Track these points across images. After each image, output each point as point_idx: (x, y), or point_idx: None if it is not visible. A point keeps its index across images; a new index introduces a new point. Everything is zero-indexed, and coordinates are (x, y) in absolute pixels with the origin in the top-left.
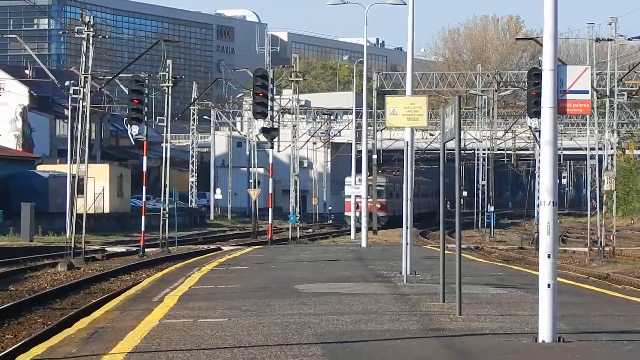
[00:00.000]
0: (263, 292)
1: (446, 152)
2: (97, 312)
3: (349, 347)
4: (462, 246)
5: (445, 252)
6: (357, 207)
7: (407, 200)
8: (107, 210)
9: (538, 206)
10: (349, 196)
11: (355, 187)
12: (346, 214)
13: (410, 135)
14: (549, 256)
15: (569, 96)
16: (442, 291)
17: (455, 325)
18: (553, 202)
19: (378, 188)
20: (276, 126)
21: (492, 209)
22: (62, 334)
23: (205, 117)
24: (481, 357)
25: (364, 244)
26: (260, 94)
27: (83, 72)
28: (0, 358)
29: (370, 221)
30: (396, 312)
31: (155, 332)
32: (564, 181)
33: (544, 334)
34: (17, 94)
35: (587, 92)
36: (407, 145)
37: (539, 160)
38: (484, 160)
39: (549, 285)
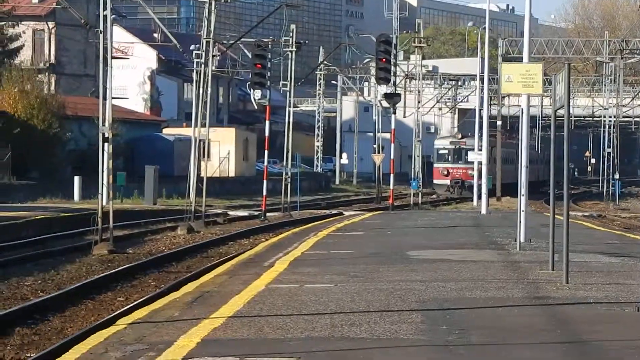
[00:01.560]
0: (374, 257)
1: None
2: (206, 276)
3: (449, 314)
4: (585, 214)
5: (561, 219)
6: (447, 174)
7: (522, 167)
8: (232, 174)
9: None
10: (443, 159)
11: (478, 154)
12: (435, 181)
13: (526, 102)
14: None
15: None
16: (552, 259)
17: (560, 294)
18: None
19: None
20: (400, 92)
21: (617, 176)
22: (168, 297)
23: (332, 82)
24: (580, 326)
25: (483, 211)
26: (383, 60)
27: (205, 37)
28: (103, 322)
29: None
30: (503, 279)
31: (260, 297)
32: None
33: None
34: (146, 58)
35: None
36: (522, 112)
37: None
38: (610, 127)
39: None
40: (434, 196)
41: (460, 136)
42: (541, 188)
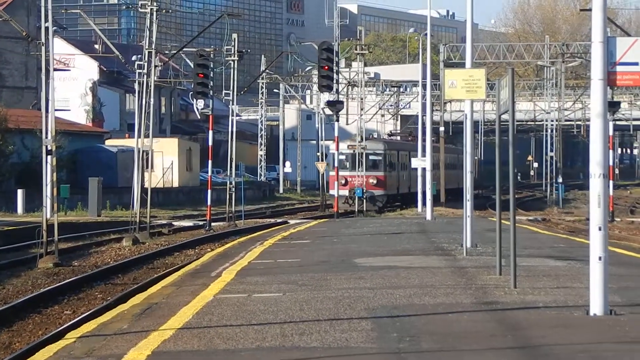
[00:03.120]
0: (322, 266)
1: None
2: (154, 287)
3: (399, 321)
4: (529, 218)
5: (507, 223)
6: (346, 183)
7: (467, 172)
8: (176, 184)
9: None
10: (341, 166)
11: (421, 160)
12: (332, 192)
13: (469, 108)
14: (599, 229)
15: (619, 68)
16: (499, 264)
17: (509, 299)
18: (603, 174)
19: (372, 157)
20: (343, 99)
21: (560, 180)
22: (116, 309)
23: (275, 90)
24: (530, 331)
25: (428, 217)
26: (326, 67)
27: (147, 47)
28: (52, 336)
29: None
30: (452, 285)
31: (208, 308)
32: (635, 151)
33: (596, 306)
34: (87, 69)
35: (637, 64)
36: (466, 118)
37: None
38: (552, 131)
39: (600, 258)
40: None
41: (359, 139)
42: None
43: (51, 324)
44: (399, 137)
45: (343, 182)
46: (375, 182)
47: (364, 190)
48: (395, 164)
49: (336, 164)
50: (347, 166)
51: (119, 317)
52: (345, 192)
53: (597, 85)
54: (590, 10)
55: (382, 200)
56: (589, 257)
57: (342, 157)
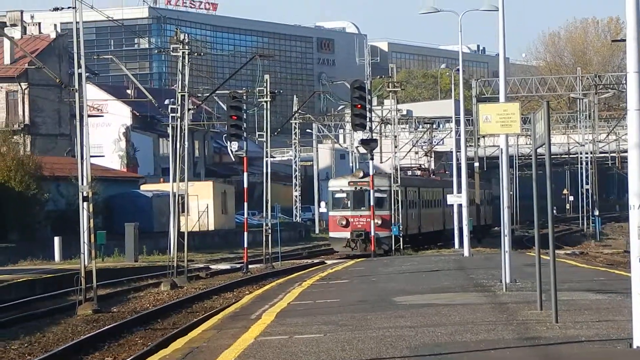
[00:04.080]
0: (361, 305)
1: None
2: (195, 331)
3: (442, 359)
4: (567, 252)
5: (547, 258)
6: (347, 224)
7: (504, 208)
8: (211, 227)
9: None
10: (341, 205)
11: (457, 196)
12: (331, 234)
13: (504, 142)
14: None
15: None
16: (540, 299)
17: (551, 333)
18: None
19: (377, 194)
20: (376, 137)
21: (597, 212)
22: (157, 355)
23: (307, 130)
24: None
25: (466, 253)
26: (358, 106)
27: (180, 90)
28: None
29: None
30: (493, 321)
31: (250, 351)
32: None
33: (638, 339)
34: (120, 114)
35: None
36: (502, 152)
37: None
38: (587, 164)
39: None
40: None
41: (361, 174)
42: (486, 233)
43: None
44: (409, 172)
45: (344, 223)
46: (380, 222)
47: (367, 232)
48: (403, 202)
49: (372, 202)
50: (349, 205)
51: None
52: (346, 234)
53: (634, 116)
54: (623, 40)
55: (388, 242)
56: (629, 289)
57: (343, 194)
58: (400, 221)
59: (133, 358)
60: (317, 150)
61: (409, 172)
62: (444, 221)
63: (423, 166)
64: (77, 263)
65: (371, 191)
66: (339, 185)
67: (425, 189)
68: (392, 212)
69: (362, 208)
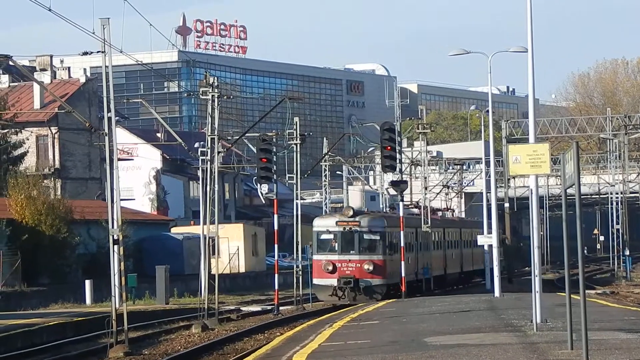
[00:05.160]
0: (392, 346)
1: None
2: None
3: None
4: (598, 291)
5: (577, 298)
6: (334, 269)
7: (535, 247)
8: (242, 269)
9: None
10: (327, 248)
11: (487, 237)
12: (315, 281)
13: (534, 183)
14: None
15: None
16: (570, 338)
17: None
18: None
19: (368, 237)
20: (406, 178)
21: (627, 252)
22: None
23: (337, 172)
24: None
25: (497, 294)
26: (388, 147)
27: (210, 133)
28: None
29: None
30: None
31: None
32: None
33: None
34: (150, 157)
35: None
36: (532, 193)
37: None
38: (617, 204)
39: None
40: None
41: (351, 213)
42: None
43: None
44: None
45: (330, 268)
46: (372, 268)
47: (357, 279)
48: (397, 245)
49: (402, 243)
50: (336, 248)
51: None
52: (333, 281)
53: None
54: None
55: (381, 291)
56: None
57: (330, 236)
58: (394, 268)
59: None
60: (347, 192)
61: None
62: (461, 263)
63: (417, 204)
64: (108, 306)
65: (402, 233)
66: (326, 225)
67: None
68: (386, 256)
69: (351, 252)
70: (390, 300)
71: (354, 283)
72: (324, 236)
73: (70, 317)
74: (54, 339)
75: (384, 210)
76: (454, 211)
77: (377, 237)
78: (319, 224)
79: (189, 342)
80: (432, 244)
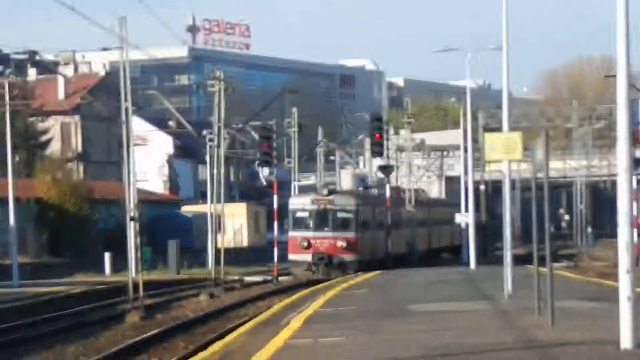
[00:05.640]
0: (378, 312)
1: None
2: (230, 335)
3: None
4: (563, 264)
5: (544, 270)
6: (308, 245)
7: (506, 226)
8: (245, 244)
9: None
10: (303, 225)
11: (464, 216)
12: (291, 257)
13: (507, 168)
14: (627, 272)
15: None
16: (537, 306)
17: (548, 337)
18: (629, 223)
19: (342, 215)
20: (392, 163)
21: (589, 230)
22: (197, 356)
23: (331, 157)
24: None
25: (472, 267)
26: (377, 135)
27: (216, 122)
28: None
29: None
30: (495, 326)
31: (279, 353)
32: None
33: (626, 341)
34: (163, 143)
35: None
36: (505, 177)
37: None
38: (581, 186)
39: (628, 298)
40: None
41: (326, 192)
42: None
43: None
44: (375, 190)
45: (305, 244)
46: (345, 245)
47: (331, 255)
48: (370, 223)
49: (389, 221)
50: (311, 225)
51: None
52: (307, 257)
53: (623, 144)
54: (614, 76)
55: (353, 267)
56: (618, 297)
57: (305, 213)
58: (366, 244)
59: (177, 359)
60: (339, 175)
61: (375, 191)
62: (413, 243)
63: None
64: (126, 276)
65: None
66: (301, 203)
67: (394, 208)
68: (358, 233)
69: (325, 229)
70: (378, 272)
71: (327, 259)
72: (299, 214)
73: (92, 286)
74: (77, 305)
75: (357, 190)
76: (424, 191)
77: (351, 215)
78: (295, 202)
79: (197, 308)
80: (416, 222)
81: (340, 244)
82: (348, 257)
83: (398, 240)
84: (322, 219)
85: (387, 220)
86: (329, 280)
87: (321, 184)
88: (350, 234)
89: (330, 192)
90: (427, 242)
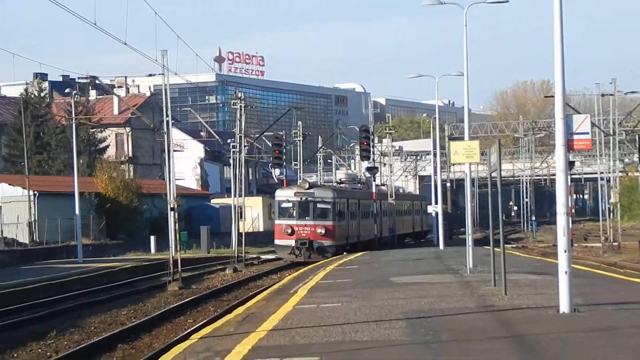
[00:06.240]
0: (367, 283)
1: (492, 179)
2: (250, 302)
3: (425, 321)
4: (512, 245)
5: (498, 250)
6: (292, 232)
7: (468, 215)
8: (261, 229)
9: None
10: (287, 214)
11: (435, 207)
12: (277, 242)
13: (468, 169)
14: (565, 251)
15: (575, 137)
16: (493, 278)
17: (502, 303)
18: (566, 212)
19: (321, 206)
20: (377, 165)
21: (533, 218)
22: (224, 318)
23: (328, 160)
24: (517, 325)
25: (441, 247)
26: (365, 143)
27: (238, 133)
28: (180, 338)
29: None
30: (460, 294)
31: (289, 315)
32: (585, 196)
33: (564, 306)
34: (195, 150)
35: (587, 133)
36: (466, 176)
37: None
38: (526, 184)
39: (565, 272)
40: (407, 240)
41: (307, 186)
42: (422, 239)
43: (179, 330)
44: (347, 185)
45: (289, 231)
46: (323, 232)
47: (311, 240)
48: (344, 213)
49: (375, 211)
50: (294, 214)
51: (227, 324)
52: (291, 242)
53: (560, 150)
54: (552, 96)
55: (331, 251)
56: (558, 271)
57: (289, 204)
58: (341, 231)
59: (207, 320)
60: (335, 175)
61: (347, 186)
62: (380, 230)
63: (360, 180)
64: (167, 254)
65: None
66: (286, 195)
67: (364, 200)
68: (335, 222)
69: (306, 218)
70: (366, 252)
71: (308, 244)
72: (284, 204)
73: (140, 263)
74: (128, 277)
75: (337, 183)
76: (364, 182)
77: (328, 206)
78: (280, 194)
79: (224, 279)
80: (395, 212)
81: (320, 231)
82: (326, 242)
83: (384, 226)
84: (303, 209)
85: (373, 209)
86: (313, 263)
87: (302, 180)
88: (329, 222)
89: (311, 186)
90: (402, 228)
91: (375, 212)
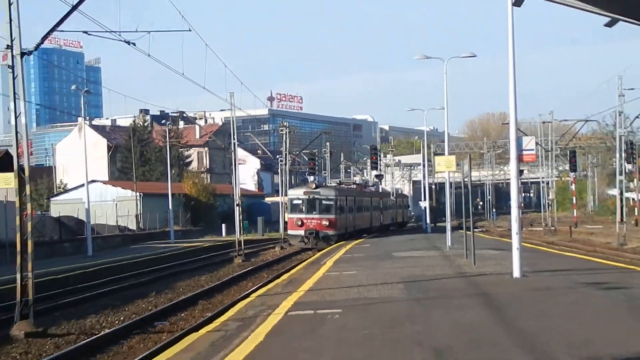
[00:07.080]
0: (376, 257)
1: (465, 183)
2: (293, 270)
3: (417, 283)
4: (477, 230)
5: (469, 233)
6: (302, 224)
7: (447, 209)
8: None
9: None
10: (298, 209)
11: (424, 202)
12: (290, 232)
13: (447, 176)
14: (517, 233)
15: (524, 152)
16: (465, 253)
17: (472, 271)
18: (517, 206)
19: (325, 202)
20: (382, 173)
21: (494, 210)
22: (274, 282)
23: (348, 170)
24: (483, 286)
25: (429, 232)
26: (374, 157)
27: (284, 151)
28: (243, 296)
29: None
30: (442, 265)
31: (320, 279)
32: (531, 194)
33: (516, 273)
34: (254, 163)
35: (533, 150)
36: (446, 180)
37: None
38: (489, 186)
39: (517, 248)
40: (406, 227)
41: (314, 186)
42: (403, 227)
43: (242, 290)
44: (344, 186)
45: (300, 223)
46: (328, 223)
47: (317, 230)
48: (344, 208)
49: (381, 206)
50: (304, 210)
51: (276, 286)
52: (301, 232)
53: (513, 162)
54: (508, 123)
55: (334, 239)
56: (512, 248)
57: (299, 201)
58: (342, 223)
59: (262, 283)
60: (352, 180)
61: (345, 186)
62: (371, 221)
63: (355, 182)
64: (234, 237)
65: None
66: (296, 194)
67: (359, 198)
68: (336, 215)
69: (313, 212)
70: (374, 235)
71: (315, 233)
72: (295, 201)
73: (214, 243)
74: (206, 253)
75: (337, 184)
76: (373, 185)
77: (331, 203)
78: (292, 193)
79: (274, 255)
80: (393, 207)
81: (324, 222)
82: (330, 232)
83: (386, 217)
84: (311, 205)
85: (370, 205)
86: (320, 250)
87: (310, 181)
88: (332, 216)
89: (317, 186)
90: (388, 219)
91: (368, 206)
